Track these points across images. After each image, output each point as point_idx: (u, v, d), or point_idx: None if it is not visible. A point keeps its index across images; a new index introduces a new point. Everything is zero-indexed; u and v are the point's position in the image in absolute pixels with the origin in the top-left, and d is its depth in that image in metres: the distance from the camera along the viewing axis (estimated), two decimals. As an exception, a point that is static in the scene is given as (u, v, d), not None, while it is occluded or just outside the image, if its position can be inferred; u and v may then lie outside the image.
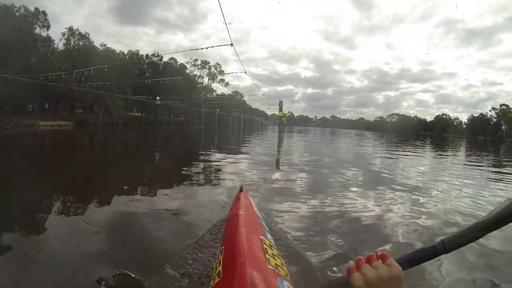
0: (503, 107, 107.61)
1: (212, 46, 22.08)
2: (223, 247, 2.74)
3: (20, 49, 39.40)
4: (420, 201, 8.00)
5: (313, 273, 3.85)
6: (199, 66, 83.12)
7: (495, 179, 13.44)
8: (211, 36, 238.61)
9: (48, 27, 45.92)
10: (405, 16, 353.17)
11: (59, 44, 49.42)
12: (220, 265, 2.41)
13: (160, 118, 58.42)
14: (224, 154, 17.28)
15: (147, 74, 60.90)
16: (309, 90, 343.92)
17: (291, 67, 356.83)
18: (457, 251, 1.23)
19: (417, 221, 6.35)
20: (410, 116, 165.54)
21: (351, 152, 25.04)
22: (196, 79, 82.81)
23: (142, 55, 64.11)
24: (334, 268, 4.03)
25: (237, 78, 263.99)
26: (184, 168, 11.38)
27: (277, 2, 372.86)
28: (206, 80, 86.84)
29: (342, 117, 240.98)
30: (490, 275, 4.12)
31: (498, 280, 3.98)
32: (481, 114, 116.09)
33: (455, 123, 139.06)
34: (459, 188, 10.22)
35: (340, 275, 3.75)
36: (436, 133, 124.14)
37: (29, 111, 43.70)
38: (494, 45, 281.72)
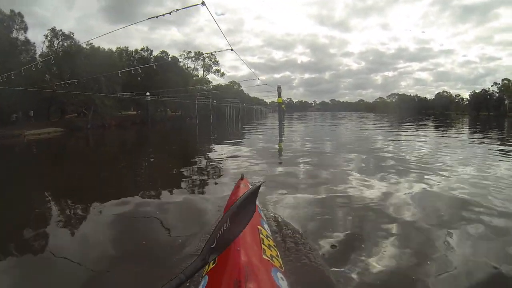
0: (505, 81, 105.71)
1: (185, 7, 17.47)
2: None
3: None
4: (427, 182, 8.07)
5: (308, 266, 3.81)
6: (193, 58, 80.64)
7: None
8: (205, 28, 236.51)
9: (25, 29, 43.65)
10: None
11: (43, 47, 47.35)
12: None
13: (154, 115, 56.98)
14: (222, 147, 17.21)
15: (139, 70, 58.59)
16: (307, 76, 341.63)
17: (287, 53, 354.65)
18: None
19: (424, 201, 6.45)
20: (410, 95, 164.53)
21: (354, 136, 24.21)
22: (191, 71, 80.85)
23: (132, 51, 62.41)
24: (331, 261, 3.99)
25: (233, 69, 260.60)
26: (181, 168, 11.24)
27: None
28: (201, 72, 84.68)
29: (341, 100, 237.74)
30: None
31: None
32: (483, 89, 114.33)
33: (457, 100, 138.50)
34: (464, 166, 10.45)
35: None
36: (438, 111, 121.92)
37: (13, 121, 41.24)
38: (490, 20, 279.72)
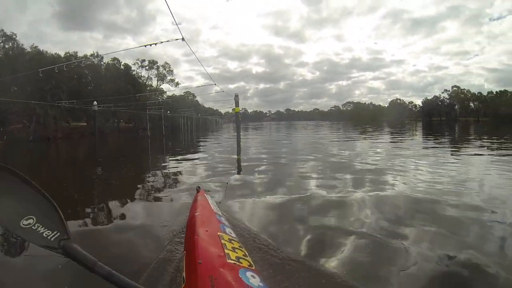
0: (455, 88, 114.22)
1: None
2: (184, 251, 2.88)
3: None
4: (382, 182, 8.59)
5: (278, 260, 3.96)
6: (147, 67, 78.20)
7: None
8: (160, 37, 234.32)
9: None
10: (353, 8, 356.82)
11: None
12: (184, 271, 2.48)
13: (104, 126, 54.22)
14: (175, 160, 16.45)
15: (89, 78, 55.79)
16: (262, 86, 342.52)
17: (242, 64, 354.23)
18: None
19: (378, 203, 6.64)
20: (365, 103, 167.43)
21: (309, 143, 24.69)
22: (145, 81, 77.87)
23: (81, 57, 57.47)
24: (299, 252, 4.31)
25: (188, 79, 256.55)
26: (136, 183, 10.25)
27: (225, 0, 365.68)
28: (155, 81, 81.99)
29: (297, 109, 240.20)
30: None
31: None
32: (434, 96, 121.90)
33: (410, 107, 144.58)
34: (416, 168, 11.10)
35: None
36: (392, 118, 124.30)
37: None
38: (438, 32, 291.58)
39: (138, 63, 76.26)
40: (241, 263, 2.43)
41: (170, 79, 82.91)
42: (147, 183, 10.50)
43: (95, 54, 59.10)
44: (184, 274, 2.39)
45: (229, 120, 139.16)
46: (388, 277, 3.69)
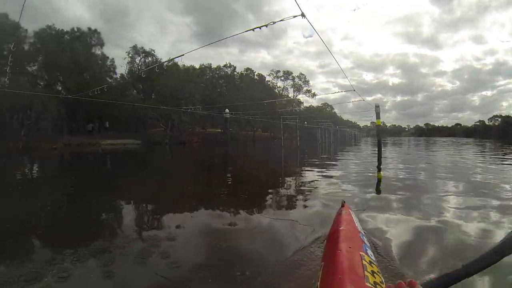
0: None
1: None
2: (323, 263, 2.83)
3: (73, 69, 40.91)
4: None
5: None
6: (282, 78, 76.64)
7: None
8: (294, 50, 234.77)
9: (102, 45, 46.78)
10: (490, 2, 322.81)
11: (124, 65, 49.93)
12: (318, 281, 2.45)
13: (237, 134, 54.20)
14: (312, 172, 15.19)
15: (224, 87, 56.86)
16: (399, 98, 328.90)
17: (377, 75, 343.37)
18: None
19: None
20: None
21: (458, 167, 18.37)
22: (280, 91, 76.31)
23: (215, 68, 60.10)
24: None
25: (324, 90, 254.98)
26: (266, 191, 10.35)
27: (352, 9, 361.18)
28: (291, 92, 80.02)
29: (436, 124, 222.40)
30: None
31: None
32: None
33: None
34: None
35: None
36: None
37: (89, 130, 44.27)
38: None
39: (273, 74, 75.54)
40: None
41: (307, 89, 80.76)
42: (277, 193, 10.20)
43: (228, 64, 60.32)
44: (318, 283, 2.38)
45: (367, 134, 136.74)
46: None
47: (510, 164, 18.49)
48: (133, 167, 20.85)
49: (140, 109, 39.30)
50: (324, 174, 14.55)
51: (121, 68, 50.09)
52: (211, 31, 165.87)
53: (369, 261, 2.76)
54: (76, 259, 4.33)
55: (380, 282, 2.46)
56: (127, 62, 49.03)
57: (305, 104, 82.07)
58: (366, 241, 3.46)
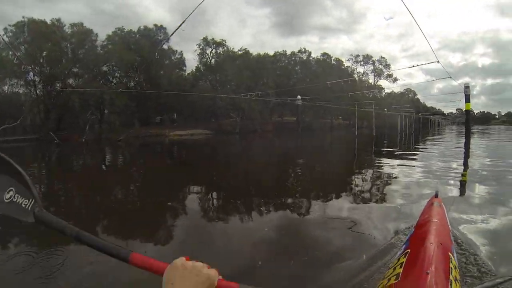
0: None
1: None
2: (408, 250, 2.69)
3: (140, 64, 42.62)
4: None
5: None
6: (361, 62, 73.78)
7: None
8: (375, 34, 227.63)
9: (167, 40, 46.43)
10: None
11: (195, 57, 50.89)
12: (401, 268, 2.37)
13: (315, 123, 52.44)
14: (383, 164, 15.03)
15: (299, 74, 55.46)
16: (489, 81, 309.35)
17: (465, 55, 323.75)
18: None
19: None
20: None
21: None
22: (361, 76, 73.73)
23: (290, 54, 57.82)
24: None
25: (408, 76, 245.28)
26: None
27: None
28: (372, 77, 77.21)
29: None
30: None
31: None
32: None
33: None
34: None
35: None
36: None
37: (157, 122, 45.74)
38: None
39: (352, 58, 72.97)
40: None
41: (388, 74, 76.50)
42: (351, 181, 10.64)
43: (303, 50, 58.19)
44: (400, 271, 2.27)
45: (452, 122, 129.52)
46: None
47: None
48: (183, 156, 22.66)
49: (209, 99, 39.33)
50: (397, 163, 14.30)
51: (194, 61, 51.27)
52: (290, 20, 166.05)
53: (455, 265, 2.64)
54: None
55: None
56: (198, 54, 49.52)
57: (387, 90, 78.38)
58: (453, 241, 3.35)
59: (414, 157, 18.03)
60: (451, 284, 2.22)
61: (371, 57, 75.72)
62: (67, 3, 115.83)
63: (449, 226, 3.64)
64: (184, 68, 50.22)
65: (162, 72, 43.94)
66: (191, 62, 55.17)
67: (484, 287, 1.74)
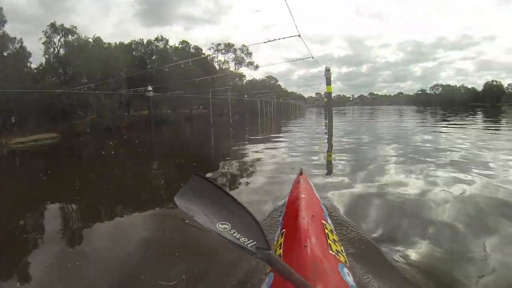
0: None
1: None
2: (284, 229, 2.91)
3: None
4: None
5: (372, 260, 3.91)
6: (223, 51, 72.65)
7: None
8: (240, 25, 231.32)
9: (3, 23, 38.26)
10: None
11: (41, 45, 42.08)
12: (281, 248, 2.54)
13: (172, 114, 50.63)
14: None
15: (155, 64, 52.02)
16: (344, 70, 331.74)
17: (323, 47, 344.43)
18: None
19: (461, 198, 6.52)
20: (455, 86, 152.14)
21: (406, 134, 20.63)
22: (221, 65, 72.27)
23: (147, 43, 54.65)
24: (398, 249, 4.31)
25: (273, 67, 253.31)
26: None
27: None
28: (232, 65, 75.71)
29: (379, 93, 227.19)
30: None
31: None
32: None
33: (510, 90, 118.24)
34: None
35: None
36: (488, 104, 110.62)
37: None
38: None
39: (213, 47, 71.83)
40: (340, 257, 2.44)
41: (249, 62, 75.86)
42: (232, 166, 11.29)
43: (159, 38, 55.35)
44: (281, 251, 2.44)
45: (312, 105, 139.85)
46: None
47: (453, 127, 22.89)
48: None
49: (55, 96, 34.88)
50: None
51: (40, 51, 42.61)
52: (153, 10, 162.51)
53: (330, 229, 2.96)
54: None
55: (341, 250, 2.65)
56: (43, 43, 41.73)
57: (248, 78, 79.21)
58: (325, 210, 3.73)
59: (277, 140, 18.96)
60: (330, 247, 2.47)
61: (233, 45, 75.15)
62: None
63: (318, 198, 4.02)
64: (27, 60, 41.32)
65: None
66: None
67: None
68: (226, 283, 3.64)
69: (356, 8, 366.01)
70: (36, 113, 38.35)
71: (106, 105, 39.70)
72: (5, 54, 37.91)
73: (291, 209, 3.33)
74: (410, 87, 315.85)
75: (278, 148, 15.30)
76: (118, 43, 49.83)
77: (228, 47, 73.61)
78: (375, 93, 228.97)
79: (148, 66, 50.03)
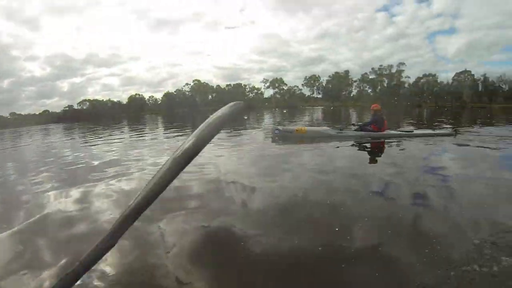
0: (195, 82, 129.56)
1: None
2: None
3: None
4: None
5: None
6: None
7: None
8: None
9: None
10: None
11: None
12: None
13: None
14: None
15: None
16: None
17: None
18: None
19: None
20: (103, 100, 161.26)
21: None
22: None
23: None
24: None
25: None
26: None
27: None
28: None
29: (23, 112, 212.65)
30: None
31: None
32: (177, 89, 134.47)
33: (151, 101, 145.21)
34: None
35: None
36: (133, 113, 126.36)
37: None
38: (178, 33, 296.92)
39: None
40: None
41: None
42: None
43: None
44: None
45: None
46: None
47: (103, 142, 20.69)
48: None
49: None
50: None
51: None
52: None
53: None
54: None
55: None
56: None
57: None
58: None
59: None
60: None
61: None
62: None
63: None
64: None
65: None
66: None
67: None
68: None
69: (8, 9, 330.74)
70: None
71: None
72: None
73: None
74: (57, 103, 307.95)
75: None
76: None
77: None
78: (18, 112, 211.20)
79: None
